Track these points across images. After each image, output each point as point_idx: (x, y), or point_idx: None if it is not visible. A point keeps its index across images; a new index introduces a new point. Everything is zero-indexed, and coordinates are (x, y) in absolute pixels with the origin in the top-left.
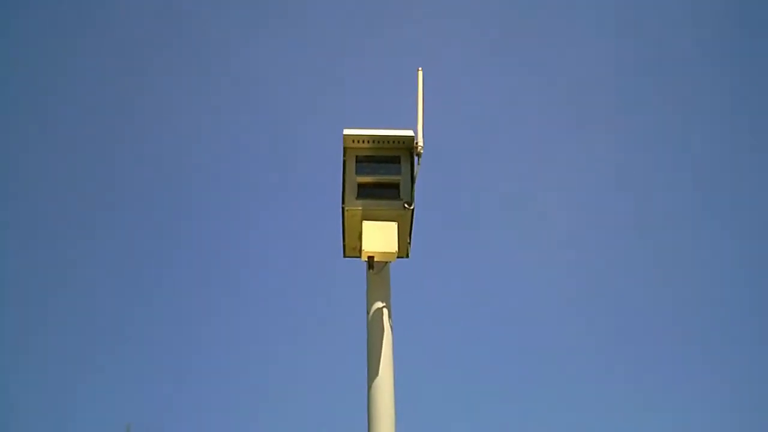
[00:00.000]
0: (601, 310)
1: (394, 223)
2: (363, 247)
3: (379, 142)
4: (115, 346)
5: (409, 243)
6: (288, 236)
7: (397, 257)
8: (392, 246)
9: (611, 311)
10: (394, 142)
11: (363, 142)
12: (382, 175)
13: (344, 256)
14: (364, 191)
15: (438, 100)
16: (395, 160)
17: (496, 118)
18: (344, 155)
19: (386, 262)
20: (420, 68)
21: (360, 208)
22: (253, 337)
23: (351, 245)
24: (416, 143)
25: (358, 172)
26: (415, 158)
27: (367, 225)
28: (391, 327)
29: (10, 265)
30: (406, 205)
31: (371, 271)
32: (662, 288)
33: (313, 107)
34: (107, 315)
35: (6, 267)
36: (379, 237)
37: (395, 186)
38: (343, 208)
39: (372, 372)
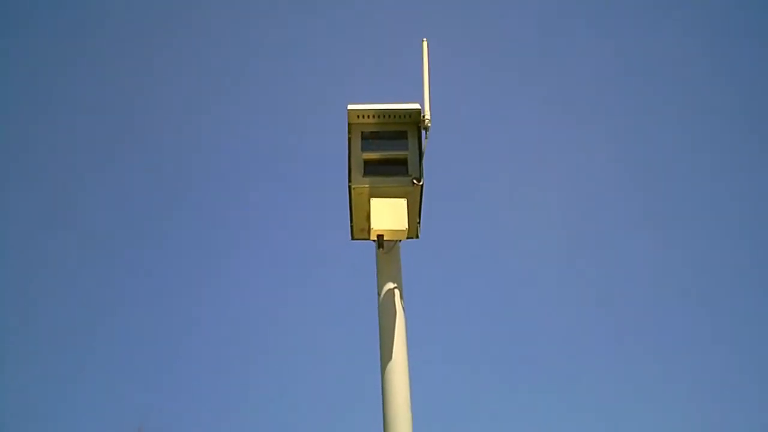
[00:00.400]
0: (618, 289)
1: (403, 199)
2: (372, 225)
3: (384, 116)
4: (120, 349)
5: (419, 222)
6: (293, 222)
7: (407, 237)
8: (402, 223)
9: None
10: (400, 116)
11: (368, 117)
12: (389, 151)
13: (352, 239)
14: (371, 168)
15: (444, 74)
16: (402, 135)
17: (505, 87)
18: (349, 132)
19: (396, 241)
20: (425, 39)
21: (367, 185)
22: (262, 328)
23: (359, 226)
24: (423, 116)
25: (363, 149)
26: (423, 132)
27: (375, 202)
28: (403, 308)
29: None
30: (414, 181)
31: (381, 250)
32: (671, 286)
33: (316, 87)
34: (120, 326)
35: None
36: (389, 214)
37: (403, 162)
38: (349, 187)
39: (385, 355)
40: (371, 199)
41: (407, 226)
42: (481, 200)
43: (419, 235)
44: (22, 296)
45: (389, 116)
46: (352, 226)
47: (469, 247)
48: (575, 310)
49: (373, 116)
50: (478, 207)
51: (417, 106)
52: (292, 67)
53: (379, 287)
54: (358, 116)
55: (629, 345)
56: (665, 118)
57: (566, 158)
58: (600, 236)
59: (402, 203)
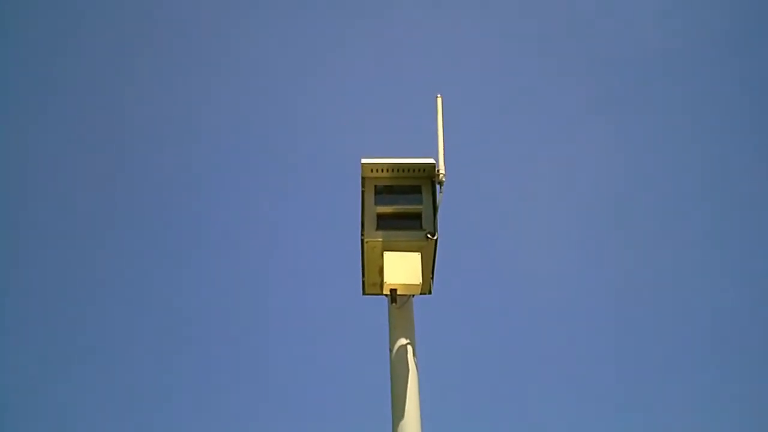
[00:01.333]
0: (635, 344)
1: (417, 253)
2: (385, 279)
3: (398, 170)
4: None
5: (432, 278)
6: (303, 276)
7: (420, 293)
8: (416, 277)
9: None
10: (414, 170)
11: (382, 171)
12: (403, 205)
13: (364, 294)
14: (384, 222)
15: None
16: (416, 189)
17: (520, 141)
18: (362, 185)
19: (410, 296)
20: (439, 95)
21: (380, 239)
22: (271, 386)
23: (371, 281)
24: (438, 171)
25: (377, 203)
26: (437, 186)
27: (389, 255)
28: (416, 365)
29: None
30: (428, 236)
31: (394, 305)
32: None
33: (327, 137)
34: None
35: None
36: (402, 268)
37: (417, 216)
38: (362, 240)
39: (397, 414)
40: (385, 252)
41: (422, 280)
42: (496, 256)
43: (432, 290)
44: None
45: (403, 170)
46: (364, 281)
47: (483, 303)
48: (605, 369)
49: (387, 170)
50: (493, 263)
51: (431, 160)
52: (303, 120)
53: (392, 343)
54: (371, 170)
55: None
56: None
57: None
58: (627, 296)
59: (416, 257)
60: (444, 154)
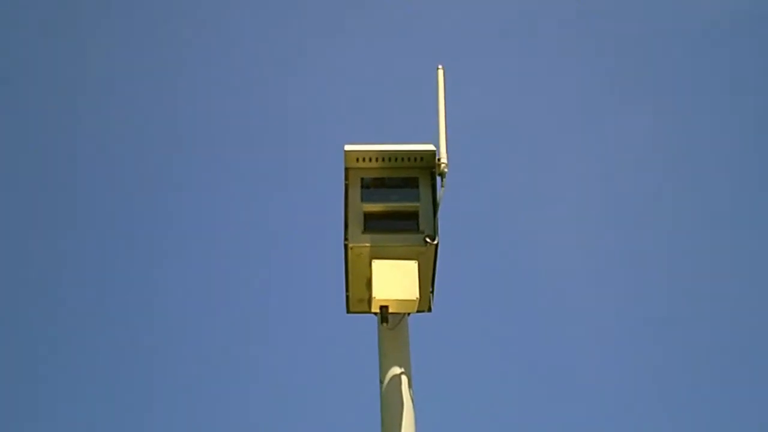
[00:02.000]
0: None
1: (413, 261)
2: (373, 294)
3: (390, 159)
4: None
5: (432, 292)
6: (273, 291)
7: (417, 310)
8: (412, 291)
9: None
10: (409, 159)
11: (370, 160)
12: (396, 202)
13: (348, 312)
14: (373, 223)
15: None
16: (412, 182)
17: (536, 124)
18: (346, 178)
19: (404, 314)
20: (440, 66)
21: (368, 244)
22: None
23: (357, 296)
24: (438, 159)
25: (364, 199)
26: (438, 179)
27: (378, 265)
28: (412, 399)
29: None
30: (427, 240)
31: (384, 326)
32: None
33: (307, 119)
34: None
35: None
36: (395, 280)
37: (413, 215)
38: (346, 246)
39: None
40: (373, 261)
41: (418, 296)
42: (511, 265)
43: (432, 307)
44: None
45: (396, 159)
46: (347, 296)
47: (495, 323)
48: (619, 395)
49: (377, 159)
50: (508, 273)
51: (431, 147)
52: (275, 100)
53: (382, 373)
54: (357, 159)
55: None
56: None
57: (619, 209)
58: (677, 324)
59: (412, 267)
60: (446, 139)
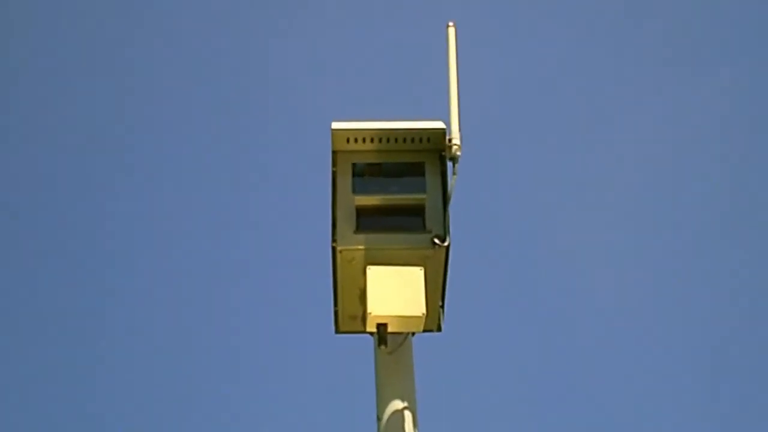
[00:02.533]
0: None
1: (418, 268)
2: (369, 309)
3: (389, 140)
4: None
5: (442, 307)
6: (249, 305)
7: (424, 330)
8: (417, 306)
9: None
10: (414, 139)
11: (364, 140)
12: (397, 194)
13: (337, 332)
14: (369, 220)
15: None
16: (416, 169)
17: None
18: (333, 163)
19: (407, 335)
20: (451, 23)
21: (362, 247)
22: None
23: (348, 312)
24: (449, 140)
25: (357, 190)
26: (449, 165)
27: (375, 273)
28: None
29: None
30: (436, 241)
31: (383, 349)
32: None
33: (287, 89)
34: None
35: None
36: (396, 292)
37: (418, 210)
38: (333, 248)
39: None
40: (368, 267)
41: (425, 311)
42: (540, 273)
43: (442, 326)
44: None
45: (397, 140)
46: (336, 312)
47: (519, 345)
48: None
49: (372, 139)
50: (536, 282)
51: (440, 124)
52: (253, 65)
53: (380, 408)
54: (347, 139)
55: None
56: None
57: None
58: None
59: (417, 275)
60: (459, 115)
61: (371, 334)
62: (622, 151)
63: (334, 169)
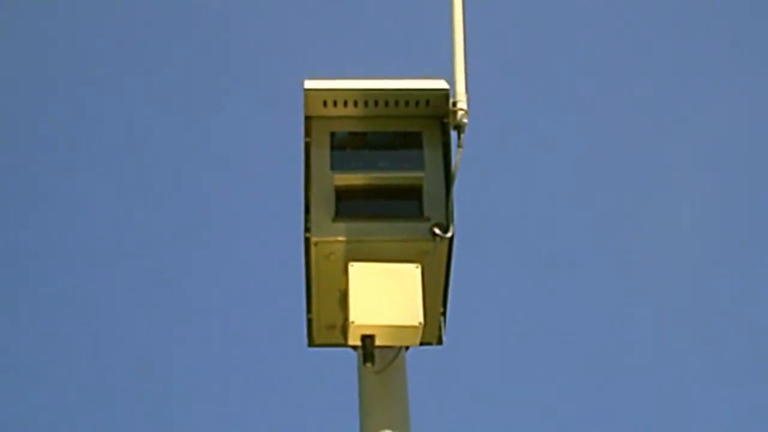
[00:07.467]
0: None
1: (414, 266)
2: (351, 318)
3: (378, 103)
4: None
5: (444, 315)
6: (201, 313)
7: (422, 342)
8: (412, 313)
9: None
10: (408, 102)
11: (346, 104)
12: (387, 171)
13: (310, 345)
14: (351, 204)
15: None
16: (412, 140)
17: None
18: (307, 133)
19: (400, 349)
20: None
21: (342, 238)
22: None
23: (324, 320)
24: (454, 104)
25: (336, 167)
26: (453, 134)
27: (359, 271)
28: None
29: None
30: (437, 231)
31: (369, 366)
32: None
33: (257, 47)
34: None
35: None
36: (385, 295)
37: (414, 192)
38: (307, 240)
39: None
40: (350, 264)
41: (422, 320)
42: (562, 275)
43: (444, 338)
44: None
45: (388, 103)
46: (310, 320)
47: (534, 362)
48: None
49: (356, 103)
50: (556, 287)
51: (442, 83)
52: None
53: None
54: (325, 102)
55: None
56: None
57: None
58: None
59: (412, 274)
60: (466, 74)
61: (354, 348)
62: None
63: (308, 140)
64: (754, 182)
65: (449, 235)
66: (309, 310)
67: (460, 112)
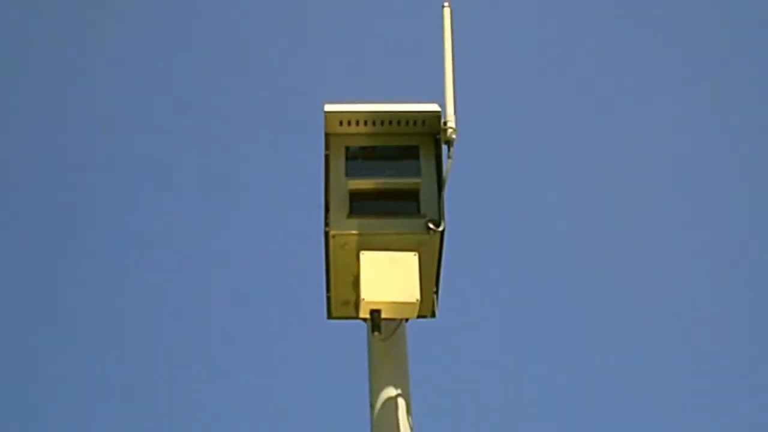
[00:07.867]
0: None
1: (412, 254)
2: (362, 295)
3: (383, 123)
4: None
5: (437, 293)
6: (238, 290)
7: (418, 315)
8: (411, 292)
9: None
10: (408, 122)
11: (358, 123)
12: (391, 177)
13: (329, 317)
14: (362, 204)
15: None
16: (411, 152)
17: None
18: (326, 146)
19: (401, 321)
20: (446, 3)
21: (355, 232)
22: None
23: (340, 298)
24: (445, 123)
25: (350, 174)
26: (444, 148)
27: (368, 258)
28: (410, 428)
29: None
30: (431, 226)
31: (376, 335)
32: None
33: (281, 71)
34: None
35: None
36: (390, 277)
37: (412, 194)
38: (326, 233)
39: None
40: (361, 253)
41: (419, 297)
42: (544, 255)
43: (437, 312)
44: None
45: (391, 122)
46: (329, 297)
47: (516, 331)
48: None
49: (366, 122)
50: (536, 265)
51: (435, 107)
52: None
53: (373, 395)
54: (341, 122)
55: None
56: None
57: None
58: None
59: (411, 260)
60: (454, 98)
61: (364, 320)
62: (630, 135)
63: (327, 153)
64: None
65: (441, 228)
66: (328, 290)
67: (449, 130)
